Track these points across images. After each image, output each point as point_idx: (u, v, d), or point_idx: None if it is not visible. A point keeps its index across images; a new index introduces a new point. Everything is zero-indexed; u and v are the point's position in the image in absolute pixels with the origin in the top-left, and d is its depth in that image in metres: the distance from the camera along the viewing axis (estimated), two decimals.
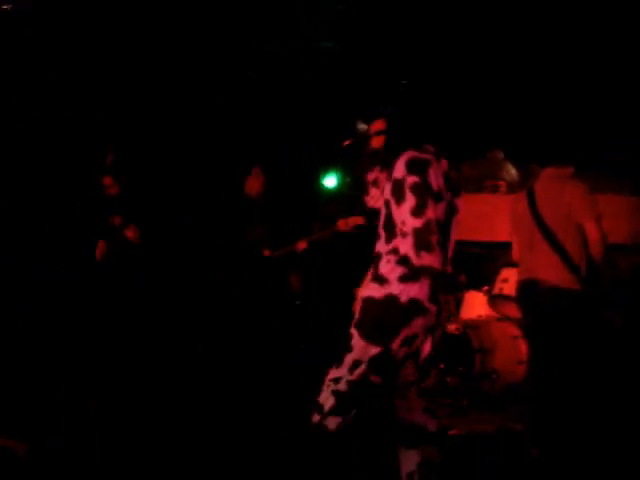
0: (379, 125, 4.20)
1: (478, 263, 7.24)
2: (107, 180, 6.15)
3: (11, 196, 6.26)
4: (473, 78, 7.18)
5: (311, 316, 6.56)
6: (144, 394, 5.68)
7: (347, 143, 4.37)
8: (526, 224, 4.91)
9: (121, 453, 4.98)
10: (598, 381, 5.08)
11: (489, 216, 7.25)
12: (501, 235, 6.52)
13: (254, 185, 6.30)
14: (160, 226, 6.41)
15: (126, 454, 4.98)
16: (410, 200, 3.76)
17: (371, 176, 4.20)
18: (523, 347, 5.99)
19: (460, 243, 6.88)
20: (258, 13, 6.45)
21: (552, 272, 4.75)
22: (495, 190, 7.67)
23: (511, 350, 6.16)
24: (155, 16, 6.33)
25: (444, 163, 3.92)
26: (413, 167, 3.78)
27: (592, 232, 4.71)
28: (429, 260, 3.74)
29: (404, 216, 3.78)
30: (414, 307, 3.79)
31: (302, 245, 6.27)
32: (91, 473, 4.78)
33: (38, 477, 4.73)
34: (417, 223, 3.73)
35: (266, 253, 6.25)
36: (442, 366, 6.14)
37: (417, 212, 3.74)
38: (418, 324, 3.81)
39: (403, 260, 3.81)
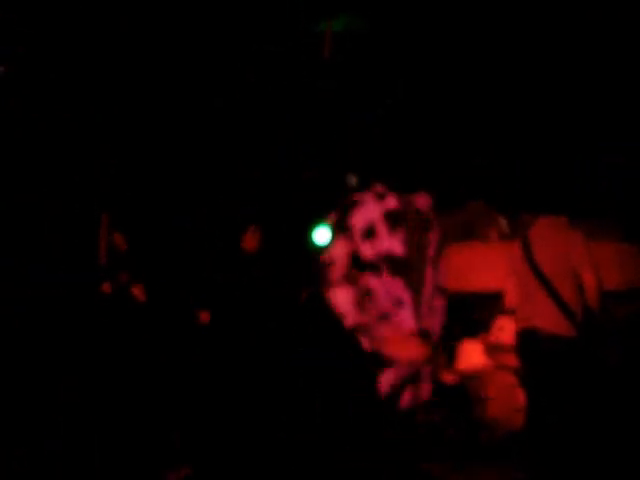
0: None
1: (472, 312, 7.26)
2: (118, 238, 6.15)
3: (10, 198, 6.25)
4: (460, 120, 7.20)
5: (310, 319, 6.56)
6: (143, 397, 5.68)
7: None
8: (522, 272, 4.96)
9: (120, 455, 4.99)
10: (596, 427, 5.11)
11: (480, 265, 7.31)
12: (494, 283, 6.57)
13: (250, 240, 6.32)
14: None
15: (125, 456, 4.99)
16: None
17: None
18: (521, 395, 6.01)
19: (452, 293, 6.96)
20: (257, 13, 6.44)
21: (549, 320, 4.80)
22: (486, 239, 7.71)
23: (509, 399, 6.17)
24: (152, 18, 6.33)
25: (391, 201, 3.82)
26: (338, 209, 3.74)
27: (589, 280, 4.77)
28: (333, 298, 3.67)
29: None
30: None
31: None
32: (90, 475, 4.79)
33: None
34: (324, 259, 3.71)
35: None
36: (440, 418, 6.17)
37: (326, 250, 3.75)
38: None
39: None
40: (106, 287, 6.04)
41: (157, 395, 5.73)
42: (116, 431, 5.26)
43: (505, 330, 6.23)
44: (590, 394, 4.92)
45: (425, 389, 3.71)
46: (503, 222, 7.72)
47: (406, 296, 3.65)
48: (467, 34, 6.41)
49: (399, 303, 3.64)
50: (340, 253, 3.65)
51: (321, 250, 3.80)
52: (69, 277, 6.07)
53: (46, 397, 5.56)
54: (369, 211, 3.67)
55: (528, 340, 4.92)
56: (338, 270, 3.64)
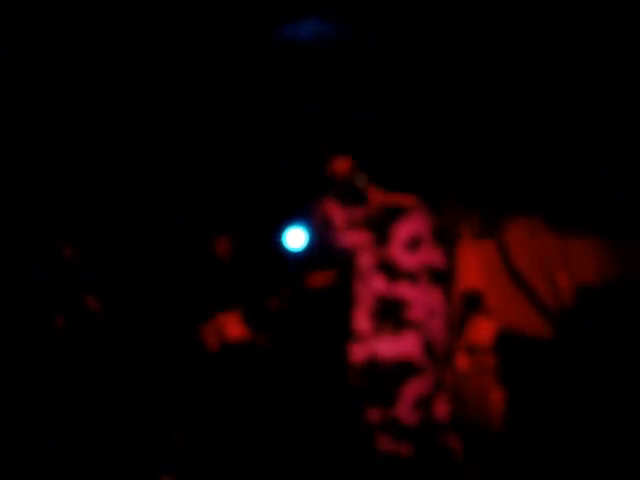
0: None
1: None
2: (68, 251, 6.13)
3: (9, 198, 6.26)
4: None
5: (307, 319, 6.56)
6: (143, 397, 5.69)
7: None
8: (498, 274, 4.99)
9: (120, 456, 4.99)
10: (578, 428, 5.12)
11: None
12: (468, 283, 6.60)
13: (223, 246, 6.33)
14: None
15: (125, 456, 5.00)
16: None
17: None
18: (499, 396, 6.07)
19: None
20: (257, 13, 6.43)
21: (527, 322, 4.85)
22: (458, 237, 7.69)
23: (487, 401, 6.20)
24: (152, 18, 6.32)
25: (436, 217, 3.79)
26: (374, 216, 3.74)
27: (564, 281, 4.80)
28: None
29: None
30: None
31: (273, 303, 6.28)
32: (90, 475, 4.80)
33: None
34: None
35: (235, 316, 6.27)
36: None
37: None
38: None
39: None
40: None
41: (157, 395, 5.74)
42: (116, 431, 5.27)
43: (481, 331, 6.24)
44: (569, 394, 4.94)
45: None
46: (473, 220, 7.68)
47: (441, 307, 3.65)
48: (467, 33, 6.40)
49: (433, 313, 3.63)
50: (369, 262, 3.60)
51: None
52: (69, 277, 6.07)
53: (46, 397, 5.56)
54: (417, 223, 3.64)
55: (506, 341, 4.96)
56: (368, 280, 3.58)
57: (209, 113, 7.17)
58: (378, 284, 3.68)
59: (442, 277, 3.73)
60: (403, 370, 3.63)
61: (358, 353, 3.69)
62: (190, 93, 6.91)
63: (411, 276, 3.68)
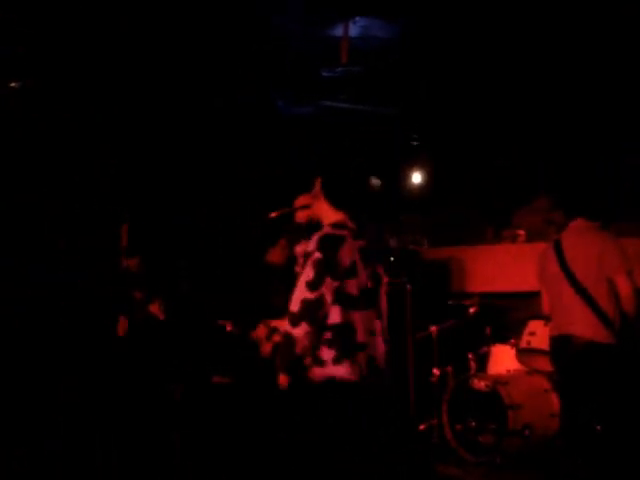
0: (303, 200, 4.31)
1: (502, 315, 7.16)
2: (132, 261, 6.15)
3: (10, 198, 6.24)
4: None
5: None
6: (143, 397, 5.67)
7: (274, 215, 4.62)
8: (556, 278, 4.86)
9: (120, 456, 4.98)
10: (633, 434, 4.99)
11: (509, 266, 7.23)
12: (522, 285, 6.58)
13: (277, 255, 6.33)
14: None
15: (125, 457, 4.98)
16: (308, 274, 3.73)
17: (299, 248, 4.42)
18: (555, 400, 5.97)
19: (481, 295, 6.89)
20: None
21: (586, 327, 4.72)
22: (514, 240, 7.66)
23: (543, 404, 6.06)
24: (153, 18, 6.30)
25: (360, 241, 3.85)
26: (323, 244, 3.75)
27: (623, 286, 4.69)
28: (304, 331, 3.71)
29: (300, 287, 3.72)
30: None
31: None
32: (90, 475, 4.79)
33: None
34: (310, 295, 3.69)
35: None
36: (474, 424, 6.05)
37: (312, 286, 3.71)
38: None
39: None
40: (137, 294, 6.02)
41: (157, 395, 5.72)
42: (116, 431, 5.25)
43: (537, 334, 6.07)
44: (627, 400, 4.80)
45: None
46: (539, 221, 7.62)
47: (378, 326, 3.77)
48: (489, 35, 6.37)
49: (373, 334, 3.74)
50: (327, 292, 3.65)
51: None
52: (69, 277, 6.06)
53: (46, 397, 5.55)
54: (352, 249, 3.73)
55: (563, 346, 4.84)
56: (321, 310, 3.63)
57: (209, 113, 7.16)
58: (335, 315, 3.75)
59: (373, 299, 3.83)
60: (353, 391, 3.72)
61: (317, 375, 3.75)
62: (190, 93, 6.90)
63: (355, 301, 3.76)
